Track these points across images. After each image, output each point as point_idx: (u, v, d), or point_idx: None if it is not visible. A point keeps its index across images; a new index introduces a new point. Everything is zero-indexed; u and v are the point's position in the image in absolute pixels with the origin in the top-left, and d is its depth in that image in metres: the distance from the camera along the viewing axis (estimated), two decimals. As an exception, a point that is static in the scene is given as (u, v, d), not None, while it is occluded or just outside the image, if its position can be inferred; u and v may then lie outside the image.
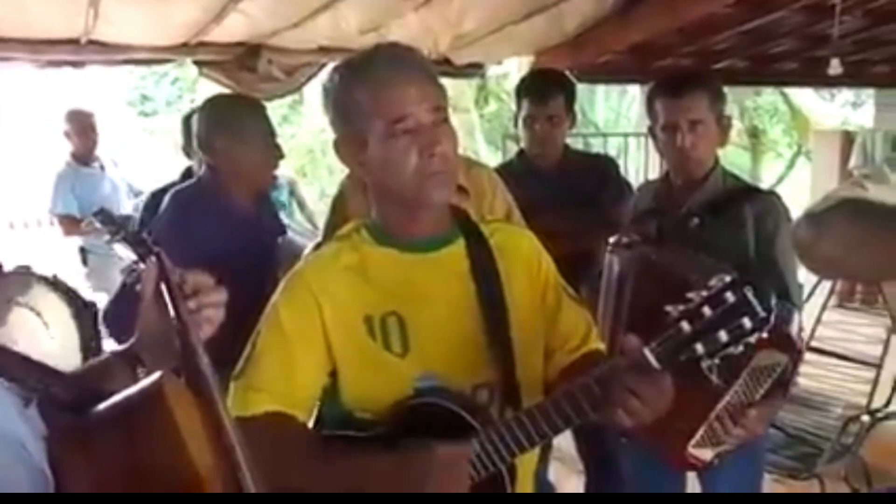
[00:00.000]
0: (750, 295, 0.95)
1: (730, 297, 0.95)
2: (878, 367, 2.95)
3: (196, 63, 3.47)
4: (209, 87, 3.60)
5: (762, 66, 5.13)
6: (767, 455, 2.72)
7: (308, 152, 9.82)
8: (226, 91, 3.25)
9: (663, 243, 1.97)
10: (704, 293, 0.97)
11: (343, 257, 1.24)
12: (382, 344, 1.20)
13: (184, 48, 3.35)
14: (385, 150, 1.14)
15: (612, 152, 5.64)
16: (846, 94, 11.01)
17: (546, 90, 2.42)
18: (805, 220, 1.19)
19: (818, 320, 3.33)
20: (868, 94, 8.40)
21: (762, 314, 0.94)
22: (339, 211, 2.07)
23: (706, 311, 0.96)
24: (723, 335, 0.96)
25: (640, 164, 5.57)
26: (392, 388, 1.19)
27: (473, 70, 4.34)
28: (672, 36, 4.07)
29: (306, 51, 3.49)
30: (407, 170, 1.14)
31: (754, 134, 11.51)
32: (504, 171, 2.37)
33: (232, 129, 2.08)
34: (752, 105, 11.38)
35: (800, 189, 8.61)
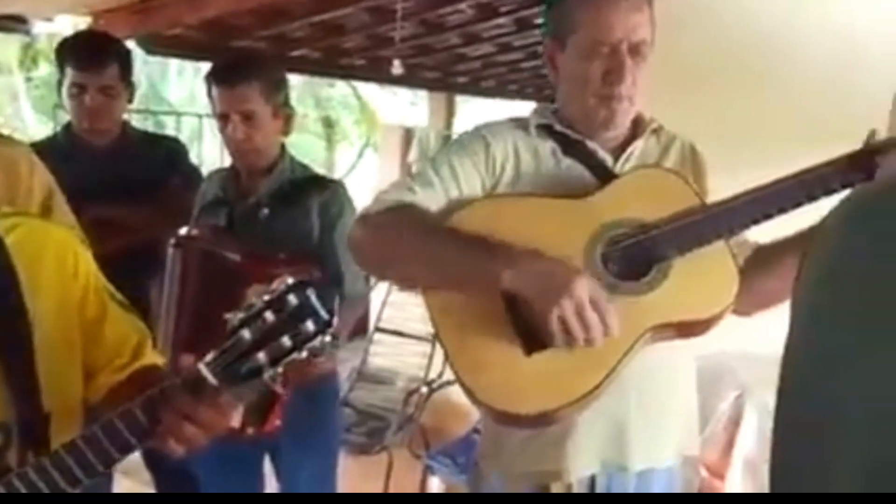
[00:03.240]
0: (313, 297, 0.89)
1: (293, 300, 0.88)
2: (432, 342, 3.30)
3: None
4: None
5: (334, 58, 5.37)
6: (342, 435, 2.83)
7: None
8: None
9: (233, 235, 1.87)
10: (266, 297, 0.88)
11: None
12: None
13: None
14: None
15: (186, 133, 5.33)
16: (406, 94, 12.31)
17: (98, 56, 2.08)
18: (358, 221, 1.21)
19: (384, 303, 3.59)
20: (423, 96, 9.48)
21: (325, 316, 0.89)
22: None
23: (268, 316, 0.88)
24: (286, 341, 0.88)
25: (218, 148, 5.37)
26: None
27: (16, 24, 3.67)
28: (246, 17, 3.98)
29: None
30: None
31: (329, 124, 12.15)
32: (46, 147, 1.99)
33: None
34: (326, 96, 11.97)
35: (370, 177, 9.33)
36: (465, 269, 1.11)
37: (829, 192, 1.12)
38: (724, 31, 2.45)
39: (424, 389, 3.21)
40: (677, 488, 1.34)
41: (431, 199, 1.19)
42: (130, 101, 2.22)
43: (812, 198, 1.12)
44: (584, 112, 1.23)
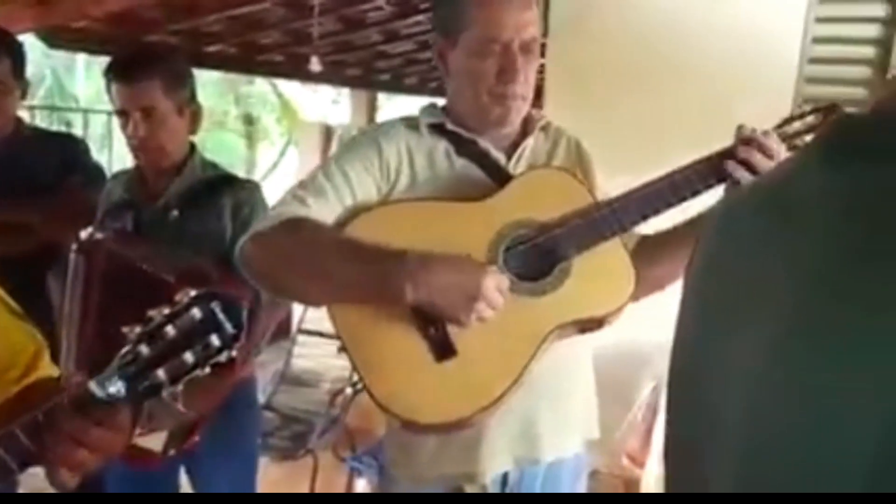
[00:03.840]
0: (218, 310, 0.84)
1: (196, 313, 0.84)
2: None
3: None
4: None
5: (252, 54, 5.24)
6: (265, 440, 2.77)
7: None
8: None
9: (140, 238, 1.78)
10: (167, 310, 0.84)
11: None
12: None
13: None
14: None
15: (96, 131, 5.10)
16: (329, 91, 12.15)
17: None
18: (250, 239, 1.17)
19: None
20: (345, 93, 9.37)
21: (231, 331, 0.85)
22: None
23: (169, 330, 0.83)
24: (189, 357, 0.84)
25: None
26: None
27: None
28: (155, 10, 3.83)
29: None
30: None
31: (249, 121, 11.84)
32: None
33: None
34: (245, 92, 11.67)
35: (290, 175, 9.15)
36: (364, 286, 1.08)
37: (708, 186, 1.15)
38: (636, 28, 2.50)
39: (349, 390, 3.17)
40: (583, 473, 1.38)
41: (325, 210, 1.16)
42: (24, 97, 2.10)
43: (695, 192, 1.16)
44: (476, 109, 1.22)
